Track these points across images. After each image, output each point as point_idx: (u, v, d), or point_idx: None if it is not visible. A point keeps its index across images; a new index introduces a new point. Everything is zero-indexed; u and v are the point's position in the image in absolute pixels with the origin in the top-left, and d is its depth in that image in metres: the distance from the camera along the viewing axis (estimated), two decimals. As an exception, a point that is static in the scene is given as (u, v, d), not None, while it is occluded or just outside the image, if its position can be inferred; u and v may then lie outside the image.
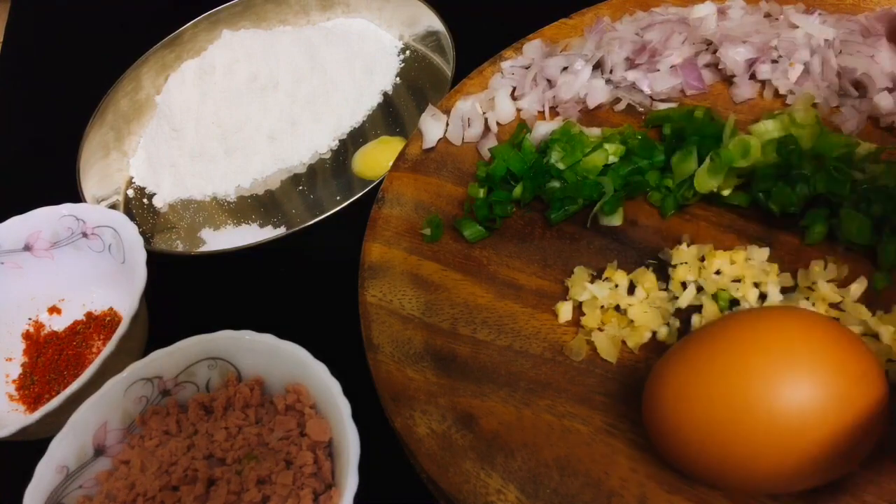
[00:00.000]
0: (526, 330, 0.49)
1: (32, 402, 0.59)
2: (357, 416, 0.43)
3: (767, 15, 0.60)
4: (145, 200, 0.77)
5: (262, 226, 0.70)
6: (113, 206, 0.75)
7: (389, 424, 0.47)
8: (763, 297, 0.46)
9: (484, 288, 0.52)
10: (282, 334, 0.48)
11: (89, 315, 0.64)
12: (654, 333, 0.46)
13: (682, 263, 0.48)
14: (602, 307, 0.48)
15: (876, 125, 0.52)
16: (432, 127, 0.62)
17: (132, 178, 0.80)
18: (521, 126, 0.60)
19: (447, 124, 0.62)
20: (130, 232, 0.59)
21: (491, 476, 0.43)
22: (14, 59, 1.06)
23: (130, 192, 0.78)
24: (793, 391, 0.33)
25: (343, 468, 0.42)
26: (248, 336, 0.48)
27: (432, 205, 0.58)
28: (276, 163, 0.75)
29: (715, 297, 0.46)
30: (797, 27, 0.57)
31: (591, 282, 0.49)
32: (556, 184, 0.54)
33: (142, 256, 0.57)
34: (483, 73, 0.66)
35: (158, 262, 0.61)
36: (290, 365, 0.47)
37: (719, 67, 0.58)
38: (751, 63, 0.57)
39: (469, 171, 0.59)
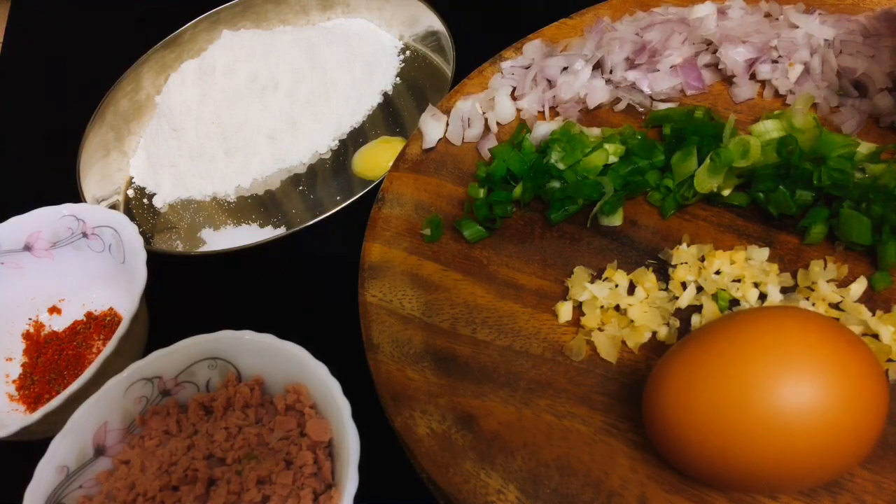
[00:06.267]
0: (526, 330, 0.49)
1: (32, 402, 0.59)
2: (357, 416, 0.43)
3: (767, 15, 0.61)
4: (145, 200, 0.77)
5: (262, 226, 0.70)
6: (113, 206, 0.75)
7: (389, 424, 0.47)
8: (763, 297, 0.46)
9: (484, 288, 0.52)
10: (282, 334, 0.48)
11: (89, 315, 0.64)
12: (654, 333, 0.46)
13: (682, 263, 0.48)
14: (602, 307, 0.48)
15: (876, 125, 0.52)
16: (432, 127, 0.62)
17: (132, 178, 0.80)
18: (521, 126, 0.60)
19: (447, 124, 0.62)
20: (130, 232, 0.59)
21: (491, 476, 0.43)
22: (14, 59, 1.06)
23: (130, 192, 0.78)
24: (792, 391, 0.33)
25: (343, 468, 0.42)
26: (248, 336, 0.48)
27: (432, 205, 0.58)
28: (276, 163, 0.75)
29: (715, 297, 0.46)
30: (797, 27, 0.57)
31: (591, 282, 0.49)
32: (556, 184, 0.54)
33: (142, 256, 0.57)
34: (483, 73, 0.66)
35: (158, 262, 0.61)
36: (290, 365, 0.47)
37: (719, 67, 0.58)
38: (751, 63, 0.57)
39: (469, 171, 0.59)
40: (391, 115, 0.77)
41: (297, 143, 0.75)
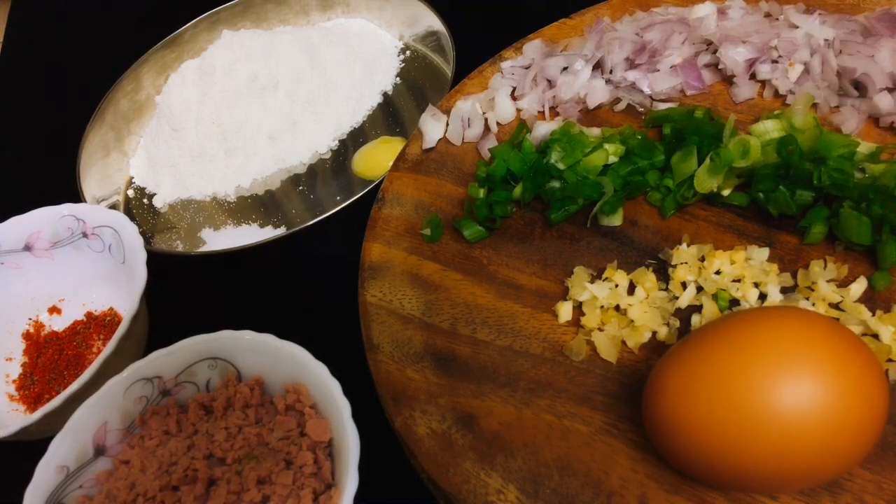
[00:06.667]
0: (526, 330, 0.49)
1: (32, 402, 0.59)
2: (357, 416, 0.43)
3: (767, 15, 0.61)
4: (145, 200, 0.77)
5: (262, 226, 0.71)
6: (113, 206, 0.75)
7: (389, 424, 0.47)
8: (763, 297, 0.46)
9: (484, 288, 0.52)
10: (282, 334, 0.48)
11: (89, 315, 0.64)
12: (654, 333, 0.46)
13: (682, 263, 0.48)
14: (602, 307, 0.48)
15: (876, 125, 0.52)
16: (432, 127, 0.62)
17: (132, 178, 0.80)
18: (521, 126, 0.60)
19: (447, 124, 0.62)
20: (130, 232, 0.59)
21: (491, 476, 0.43)
22: (14, 59, 1.06)
23: (130, 192, 0.78)
24: (793, 391, 0.33)
25: (343, 468, 0.42)
26: (248, 336, 0.48)
27: (432, 205, 0.58)
28: (276, 163, 0.75)
29: (715, 297, 0.46)
30: (797, 27, 0.57)
31: (591, 282, 0.49)
32: (556, 184, 0.54)
33: (142, 256, 0.57)
34: (483, 73, 0.66)
35: (158, 262, 0.61)
36: (290, 365, 0.47)
37: (719, 67, 0.58)
38: (751, 63, 0.57)
39: (469, 171, 0.59)
40: (391, 115, 0.77)
41: (297, 143, 0.75)
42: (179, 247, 0.71)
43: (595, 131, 0.57)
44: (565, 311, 0.48)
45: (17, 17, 1.14)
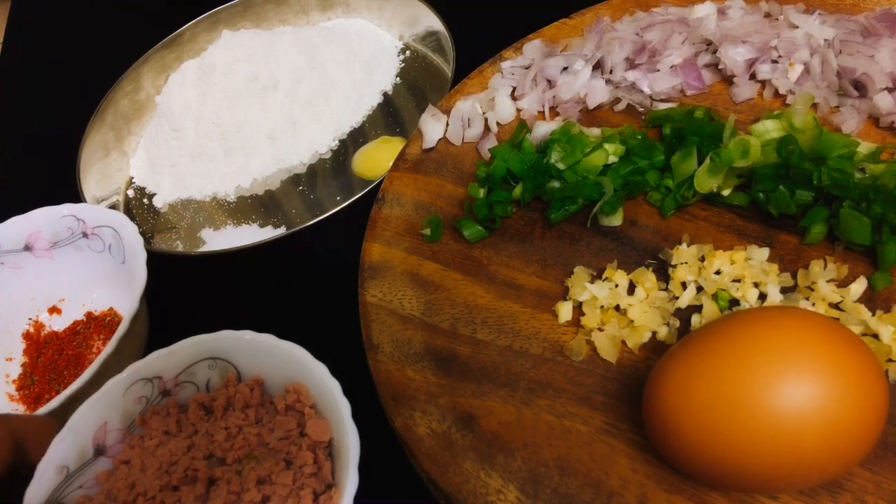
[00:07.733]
0: (526, 330, 0.49)
1: (32, 402, 0.59)
2: (357, 416, 0.43)
3: (767, 15, 0.61)
4: (145, 200, 0.77)
5: (262, 226, 0.71)
6: (113, 206, 0.75)
7: (389, 424, 0.47)
8: (763, 297, 0.46)
9: (484, 288, 0.52)
10: (282, 334, 0.48)
11: (89, 315, 0.64)
12: (654, 333, 0.46)
13: (682, 263, 0.48)
14: (602, 307, 0.48)
15: (876, 125, 0.52)
16: (432, 127, 0.62)
17: (132, 178, 0.80)
18: (521, 126, 0.60)
19: (447, 124, 0.62)
20: (130, 232, 0.59)
21: (491, 476, 0.43)
22: (14, 59, 1.06)
23: (130, 192, 0.78)
24: (792, 391, 0.33)
25: (343, 468, 0.42)
26: (248, 336, 0.48)
27: (432, 205, 0.58)
28: (276, 163, 0.75)
29: (715, 297, 0.46)
30: (797, 27, 0.57)
31: (591, 282, 0.49)
32: (556, 184, 0.54)
33: (142, 256, 0.57)
34: (483, 73, 0.66)
35: (158, 262, 0.61)
36: (290, 365, 0.47)
37: (719, 67, 0.58)
38: (751, 63, 0.57)
39: (469, 171, 0.59)
40: (391, 115, 0.77)
41: (297, 143, 0.75)
42: (179, 247, 0.71)
43: (595, 131, 0.57)
44: (565, 311, 0.48)
45: (17, 17, 1.14)
